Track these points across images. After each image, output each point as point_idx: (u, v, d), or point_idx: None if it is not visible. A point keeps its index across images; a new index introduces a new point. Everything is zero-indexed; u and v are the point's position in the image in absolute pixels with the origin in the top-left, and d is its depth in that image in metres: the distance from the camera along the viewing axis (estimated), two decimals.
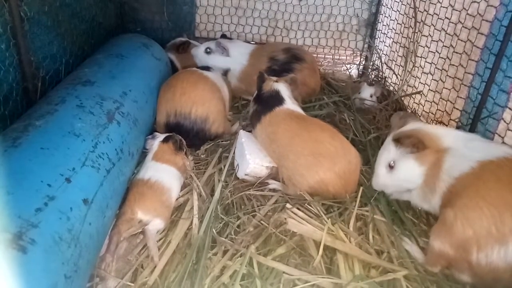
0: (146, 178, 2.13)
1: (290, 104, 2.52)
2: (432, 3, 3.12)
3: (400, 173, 2.00)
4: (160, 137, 2.41)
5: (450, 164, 1.87)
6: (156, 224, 2.01)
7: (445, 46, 2.93)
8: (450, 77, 2.85)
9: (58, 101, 2.01)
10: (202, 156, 2.66)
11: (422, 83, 3.27)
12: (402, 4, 3.68)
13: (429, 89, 3.14)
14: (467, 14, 2.63)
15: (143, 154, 2.43)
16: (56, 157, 1.65)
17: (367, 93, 3.40)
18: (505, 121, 2.28)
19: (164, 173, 2.19)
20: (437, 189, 1.90)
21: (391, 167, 2.02)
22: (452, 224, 1.71)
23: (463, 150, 1.89)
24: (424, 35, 3.25)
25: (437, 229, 1.81)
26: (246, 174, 2.40)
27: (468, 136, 2.02)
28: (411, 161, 1.96)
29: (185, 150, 2.41)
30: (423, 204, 2.05)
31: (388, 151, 2.03)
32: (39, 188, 1.47)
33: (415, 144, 1.94)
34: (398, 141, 1.98)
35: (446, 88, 2.88)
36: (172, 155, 2.32)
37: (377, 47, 4.17)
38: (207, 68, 3.02)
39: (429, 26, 3.15)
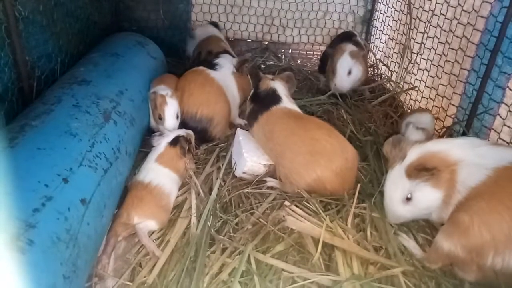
0: (147, 181, 2.10)
1: (287, 103, 2.51)
2: (428, 0, 3.13)
3: (419, 203, 1.94)
4: (169, 136, 2.33)
5: (465, 175, 1.84)
6: (148, 224, 1.99)
7: (441, 43, 2.94)
8: (446, 73, 2.86)
9: (54, 100, 2.00)
10: (201, 155, 2.65)
11: (418, 80, 3.28)
12: (397, 0, 3.68)
13: (425, 86, 3.16)
14: (463, 10, 2.64)
15: (141, 153, 2.42)
16: (53, 157, 1.65)
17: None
18: (501, 117, 2.30)
19: (166, 178, 2.16)
20: (453, 201, 1.87)
21: (408, 199, 1.95)
22: (467, 228, 1.69)
23: (475, 159, 1.86)
24: (420, 32, 3.26)
25: (448, 230, 1.79)
26: (244, 172, 2.40)
27: (471, 142, 1.98)
28: (429, 189, 1.90)
29: (191, 151, 2.37)
30: (443, 219, 1.97)
31: (403, 186, 1.95)
32: (36, 189, 1.47)
33: (433, 174, 1.88)
34: (416, 176, 1.91)
35: (442, 84, 2.89)
36: (177, 160, 2.26)
37: (373, 44, 4.17)
38: (214, 66, 2.96)
39: (425, 23, 3.16)
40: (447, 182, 1.87)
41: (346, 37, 3.62)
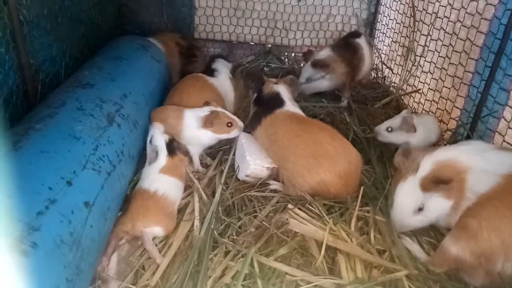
0: (153, 190, 2.07)
1: (291, 106, 2.51)
2: (431, 2, 3.12)
3: (431, 213, 1.92)
4: (163, 149, 2.25)
5: (474, 182, 1.83)
6: (155, 230, 1.99)
7: (444, 45, 2.94)
8: (449, 76, 2.85)
9: (58, 104, 2.01)
10: (203, 161, 2.64)
11: (422, 82, 3.27)
12: (401, 3, 3.68)
13: (429, 88, 3.15)
14: (466, 12, 2.64)
15: (144, 156, 2.42)
16: (57, 160, 1.65)
17: (302, 79, 3.27)
18: (505, 119, 2.28)
19: (171, 186, 2.15)
20: (461, 207, 1.86)
21: (419, 209, 1.92)
22: (476, 233, 1.68)
23: (483, 165, 1.84)
24: (423, 34, 3.26)
25: (456, 235, 1.78)
26: (246, 175, 2.40)
27: (477, 147, 1.96)
28: (441, 199, 1.87)
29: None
30: (450, 225, 1.96)
31: (416, 198, 1.91)
32: (40, 192, 1.47)
33: (448, 185, 1.85)
34: (433, 189, 1.88)
35: (446, 87, 2.88)
36: (180, 167, 2.26)
37: (376, 46, 4.17)
38: (212, 73, 3.00)
39: (428, 25, 3.16)
40: (457, 190, 1.86)
41: (353, 36, 3.63)
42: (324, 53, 3.33)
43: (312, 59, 3.29)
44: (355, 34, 3.65)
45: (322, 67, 3.22)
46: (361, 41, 3.52)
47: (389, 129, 2.61)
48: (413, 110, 3.29)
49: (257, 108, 2.60)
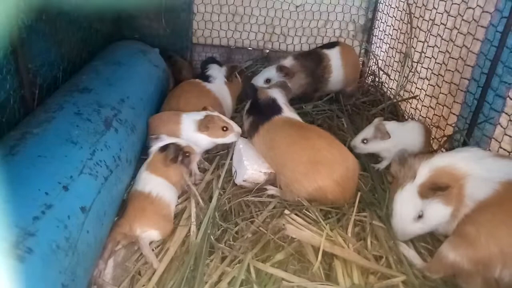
0: (147, 191, 2.08)
1: (288, 112, 2.52)
2: (428, 9, 3.14)
3: (431, 220, 1.92)
4: (156, 147, 2.28)
5: (472, 189, 1.84)
6: (151, 234, 1.99)
7: (441, 52, 2.96)
8: (446, 82, 2.86)
9: (55, 108, 2.01)
10: (201, 165, 2.64)
11: (418, 88, 3.29)
12: (398, 10, 3.71)
13: (426, 94, 3.16)
14: (463, 20, 2.66)
15: (141, 161, 2.42)
16: (54, 165, 1.65)
17: (261, 79, 3.20)
18: (501, 126, 2.30)
19: (164, 187, 2.14)
20: (460, 214, 1.86)
21: (419, 217, 1.93)
22: (474, 240, 1.69)
23: (481, 172, 1.85)
24: (420, 41, 3.28)
25: (454, 242, 1.78)
26: (244, 180, 2.39)
27: (475, 154, 1.97)
28: (441, 206, 1.88)
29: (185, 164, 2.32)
30: (448, 232, 1.96)
31: (415, 205, 1.92)
32: (36, 196, 1.47)
33: (446, 191, 1.86)
34: (431, 196, 1.88)
35: (443, 93, 2.90)
36: (167, 168, 2.22)
37: (373, 52, 4.19)
38: (207, 79, 3.01)
39: (425, 32, 3.18)
40: (456, 196, 1.86)
41: (325, 47, 3.62)
42: (288, 62, 3.33)
43: (277, 63, 3.29)
44: (329, 45, 3.59)
45: (287, 74, 3.20)
46: (331, 52, 3.46)
47: (365, 141, 2.63)
48: (410, 116, 3.31)
49: (253, 116, 2.59)
